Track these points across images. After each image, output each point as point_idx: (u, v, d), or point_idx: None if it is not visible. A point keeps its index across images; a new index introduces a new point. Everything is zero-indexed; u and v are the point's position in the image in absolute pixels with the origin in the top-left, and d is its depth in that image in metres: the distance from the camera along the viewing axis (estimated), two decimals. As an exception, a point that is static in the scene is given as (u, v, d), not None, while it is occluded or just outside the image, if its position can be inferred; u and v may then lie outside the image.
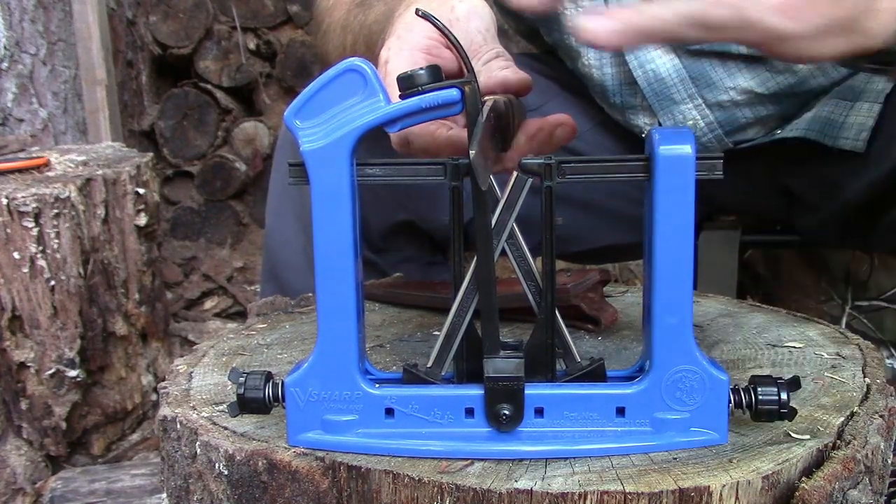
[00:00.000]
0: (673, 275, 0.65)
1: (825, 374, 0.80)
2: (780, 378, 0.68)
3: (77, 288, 1.67)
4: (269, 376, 0.69)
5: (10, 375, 1.66)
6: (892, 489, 1.03)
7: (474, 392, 0.67)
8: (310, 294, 1.08)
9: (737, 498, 0.61)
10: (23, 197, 1.59)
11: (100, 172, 1.74)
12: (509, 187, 0.70)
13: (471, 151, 0.63)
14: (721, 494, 0.61)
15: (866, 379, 0.78)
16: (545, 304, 0.70)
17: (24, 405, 1.68)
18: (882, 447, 0.69)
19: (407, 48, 0.84)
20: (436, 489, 0.62)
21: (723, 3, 0.59)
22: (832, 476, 0.63)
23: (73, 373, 1.68)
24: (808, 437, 0.67)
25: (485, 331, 0.68)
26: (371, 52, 1.02)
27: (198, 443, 0.70)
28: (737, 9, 0.59)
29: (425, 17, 0.67)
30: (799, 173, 1.24)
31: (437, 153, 0.77)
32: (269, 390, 0.69)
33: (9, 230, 1.59)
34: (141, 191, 1.82)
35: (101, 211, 1.72)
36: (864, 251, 1.41)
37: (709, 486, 0.61)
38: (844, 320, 1.46)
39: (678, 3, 0.59)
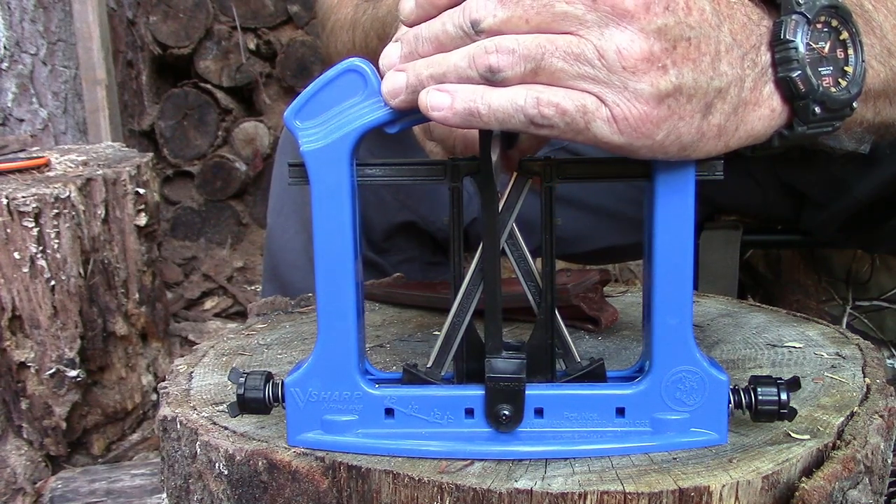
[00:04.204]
0: (673, 275, 0.65)
1: (825, 374, 0.80)
2: (780, 378, 0.68)
3: (77, 288, 1.67)
4: (269, 376, 0.69)
5: (10, 375, 1.66)
6: (892, 489, 1.03)
7: (474, 392, 0.67)
8: (310, 294, 1.08)
9: (737, 498, 0.61)
10: (23, 197, 1.59)
11: (100, 172, 1.74)
12: (509, 187, 0.70)
13: (493, 154, 0.64)
14: (721, 494, 0.61)
15: (866, 379, 0.78)
16: (545, 304, 0.70)
17: (24, 405, 1.68)
18: (882, 447, 0.69)
19: None
20: (436, 489, 0.62)
21: (552, 102, 0.58)
22: (832, 476, 0.63)
23: (73, 373, 1.68)
24: (808, 437, 0.67)
25: (488, 330, 0.68)
26: (384, 45, 1.02)
27: (198, 443, 0.70)
28: (563, 111, 0.58)
29: None
30: (805, 172, 1.24)
31: (453, 145, 0.77)
32: (269, 390, 0.69)
33: (9, 230, 1.59)
34: (141, 191, 1.82)
35: (101, 211, 1.72)
36: (868, 251, 1.41)
37: (709, 486, 0.61)
38: (845, 320, 1.46)
39: (514, 92, 0.59)
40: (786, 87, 0.63)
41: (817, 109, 0.63)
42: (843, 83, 0.65)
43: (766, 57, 0.63)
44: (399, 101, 0.63)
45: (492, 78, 0.59)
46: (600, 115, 0.58)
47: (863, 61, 0.66)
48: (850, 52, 0.65)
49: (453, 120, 0.60)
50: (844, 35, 0.65)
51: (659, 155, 0.61)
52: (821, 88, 0.63)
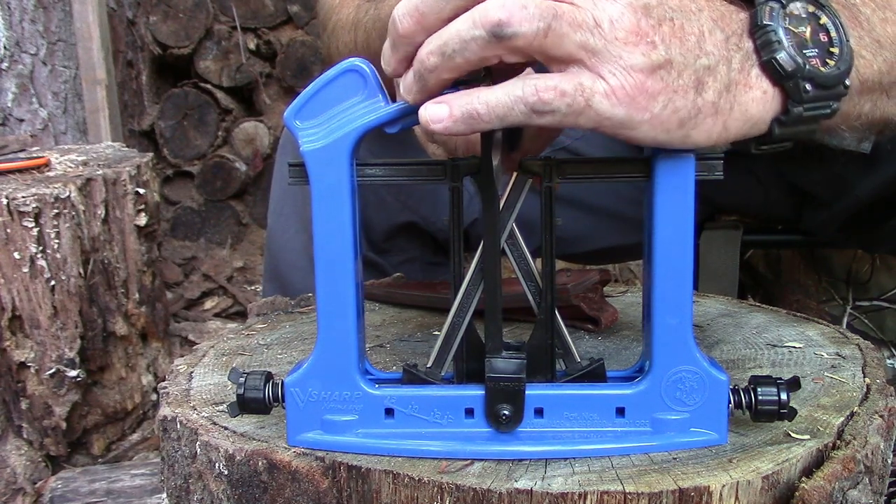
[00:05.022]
0: (673, 275, 0.65)
1: (825, 374, 0.80)
2: (780, 378, 0.68)
3: (77, 288, 1.67)
4: (269, 376, 0.69)
5: (10, 375, 1.66)
6: (892, 489, 1.03)
7: (474, 392, 0.67)
8: (310, 294, 1.08)
9: (737, 498, 0.61)
10: (23, 197, 1.59)
11: (100, 172, 1.74)
12: (509, 187, 0.70)
13: (493, 160, 0.64)
14: (721, 494, 0.61)
15: (866, 379, 0.78)
16: (545, 304, 0.70)
17: (24, 405, 1.68)
18: (882, 447, 0.69)
19: None
20: (436, 489, 0.62)
21: (550, 87, 0.59)
22: (832, 476, 0.63)
23: (73, 373, 1.68)
24: (808, 437, 0.67)
25: (488, 330, 0.68)
26: None
27: (198, 443, 0.70)
28: (562, 93, 0.59)
29: None
30: (807, 172, 1.24)
31: (455, 148, 0.77)
32: (269, 390, 0.69)
33: (9, 230, 1.59)
34: (141, 191, 1.82)
35: (101, 211, 1.72)
36: (869, 251, 1.41)
37: (709, 486, 0.61)
38: (845, 320, 1.46)
39: (510, 85, 0.60)
40: (772, 70, 0.63)
41: (808, 87, 0.64)
42: (832, 62, 0.65)
43: (748, 44, 0.64)
44: (414, 95, 0.63)
45: (500, 34, 0.58)
46: (598, 89, 0.59)
47: (847, 41, 0.66)
48: (833, 34, 0.66)
49: (455, 127, 0.60)
50: (824, 19, 0.66)
51: (660, 133, 0.61)
52: (807, 66, 0.63)
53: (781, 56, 0.63)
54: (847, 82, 0.66)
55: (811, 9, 0.66)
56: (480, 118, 0.60)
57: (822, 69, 0.64)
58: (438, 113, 0.60)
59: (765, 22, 0.63)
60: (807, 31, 0.65)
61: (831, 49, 0.66)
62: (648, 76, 0.59)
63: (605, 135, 0.62)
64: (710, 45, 0.61)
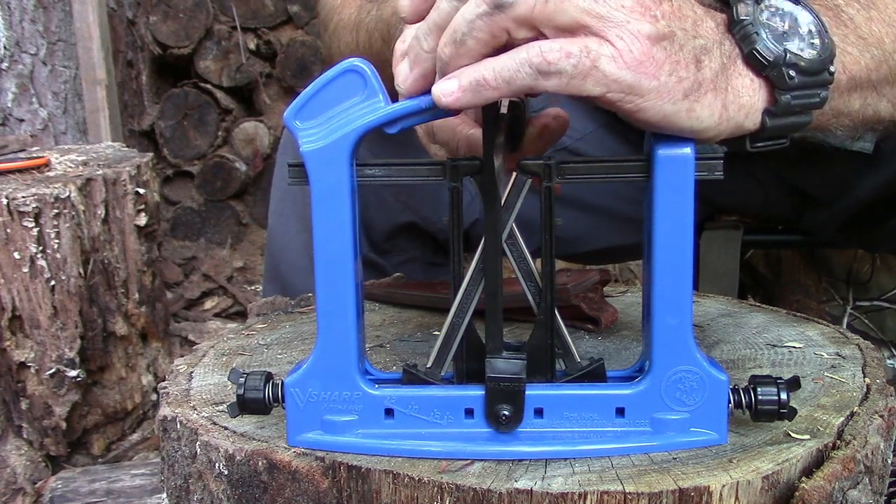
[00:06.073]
0: (673, 275, 0.65)
1: (825, 374, 0.80)
2: (780, 378, 0.68)
3: (77, 288, 1.67)
4: (269, 377, 0.69)
5: (10, 375, 1.66)
6: (892, 489, 1.03)
7: (474, 392, 0.67)
8: (310, 294, 1.08)
9: (737, 498, 0.61)
10: (23, 197, 1.59)
11: (100, 172, 1.74)
12: (509, 187, 0.70)
13: (496, 160, 0.64)
14: (721, 494, 0.61)
15: (866, 379, 0.78)
16: (545, 304, 0.70)
17: (24, 405, 1.68)
18: (882, 447, 0.69)
19: None
20: (436, 489, 0.62)
21: (555, 48, 0.60)
22: (832, 476, 0.63)
23: (73, 373, 1.68)
24: (808, 437, 0.67)
25: (489, 330, 0.68)
26: (389, 46, 1.02)
27: (198, 443, 0.70)
28: (568, 53, 0.60)
29: None
30: (809, 173, 1.24)
31: (456, 149, 0.78)
32: (269, 391, 0.69)
33: (9, 230, 1.59)
34: (141, 191, 1.82)
35: (101, 211, 1.72)
36: (869, 251, 1.41)
37: (709, 486, 0.61)
38: (846, 320, 1.46)
39: (515, 51, 0.61)
40: (754, 62, 0.65)
41: (792, 73, 0.65)
42: (813, 51, 0.67)
43: (730, 38, 0.66)
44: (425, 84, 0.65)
45: (501, 2, 0.59)
46: (604, 52, 0.60)
47: (826, 30, 0.68)
48: (811, 25, 0.68)
49: (465, 98, 0.62)
50: (800, 13, 0.68)
51: (667, 103, 0.62)
52: (788, 54, 0.65)
53: (761, 46, 0.65)
54: (832, 68, 0.67)
55: (786, 6, 0.68)
56: (488, 84, 0.61)
57: (803, 56, 0.66)
58: (448, 86, 0.62)
59: (741, 17, 0.65)
60: (784, 24, 0.67)
61: (811, 39, 0.67)
62: (654, 44, 0.60)
63: (612, 108, 0.62)
64: (703, 29, 0.64)
